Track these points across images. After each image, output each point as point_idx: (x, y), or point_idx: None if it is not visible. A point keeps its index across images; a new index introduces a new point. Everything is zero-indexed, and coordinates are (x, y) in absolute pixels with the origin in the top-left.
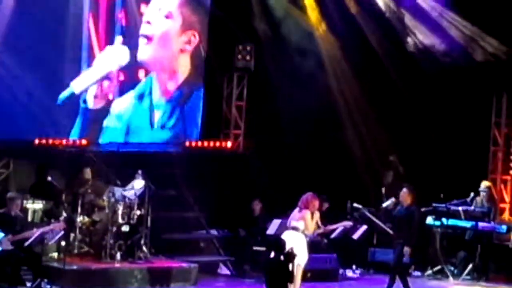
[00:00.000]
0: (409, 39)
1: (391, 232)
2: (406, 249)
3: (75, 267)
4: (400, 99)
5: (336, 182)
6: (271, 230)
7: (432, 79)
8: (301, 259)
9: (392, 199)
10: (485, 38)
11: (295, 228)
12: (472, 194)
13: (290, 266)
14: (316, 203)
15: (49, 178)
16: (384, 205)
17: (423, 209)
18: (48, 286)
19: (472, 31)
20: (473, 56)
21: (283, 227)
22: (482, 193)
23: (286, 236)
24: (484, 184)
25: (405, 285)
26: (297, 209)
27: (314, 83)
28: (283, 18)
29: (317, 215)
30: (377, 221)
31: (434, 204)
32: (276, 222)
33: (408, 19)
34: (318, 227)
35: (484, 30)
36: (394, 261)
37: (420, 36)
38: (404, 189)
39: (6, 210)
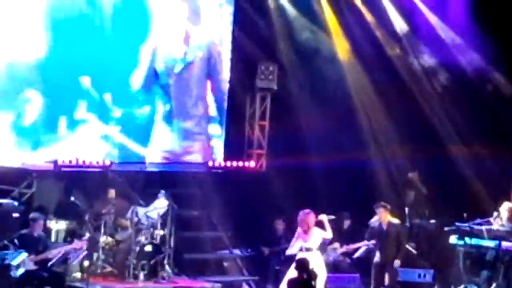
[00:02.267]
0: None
1: (414, 251)
2: (397, 262)
3: (98, 287)
4: (423, 118)
5: (358, 201)
6: (294, 250)
7: (453, 94)
8: (321, 279)
9: (376, 217)
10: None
11: (309, 249)
12: (495, 214)
13: (313, 285)
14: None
15: (72, 198)
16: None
17: (446, 228)
18: None
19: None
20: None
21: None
22: (503, 214)
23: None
24: (506, 205)
25: None
26: (300, 232)
27: (336, 103)
28: (305, 39)
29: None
30: (404, 241)
31: (457, 224)
32: (298, 242)
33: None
34: (341, 246)
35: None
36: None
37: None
38: (380, 208)
39: (29, 230)
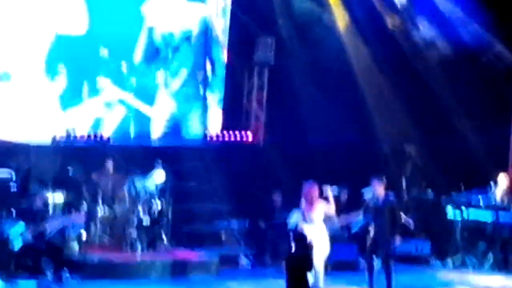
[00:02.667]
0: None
1: (411, 222)
2: (398, 238)
3: (95, 259)
4: (420, 88)
5: (356, 174)
6: (291, 222)
7: (451, 67)
8: (323, 251)
9: (372, 191)
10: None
11: (312, 222)
12: (492, 184)
13: (310, 257)
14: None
15: (70, 170)
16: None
17: (443, 200)
18: (69, 277)
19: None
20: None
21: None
22: (500, 185)
23: (306, 228)
24: (502, 176)
25: (389, 276)
26: (304, 203)
27: (334, 76)
28: (304, 12)
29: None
30: (399, 213)
31: (454, 195)
32: (296, 214)
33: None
34: (338, 219)
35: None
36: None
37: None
38: (375, 181)
39: (28, 203)
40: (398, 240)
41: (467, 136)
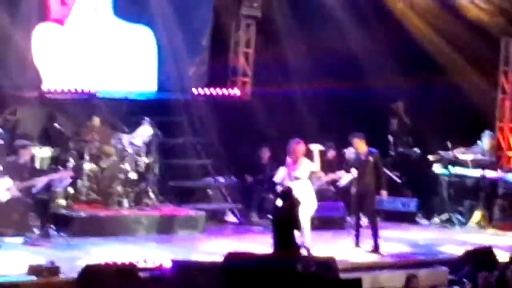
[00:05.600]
0: None
1: (398, 180)
2: (384, 192)
3: (82, 214)
4: (409, 47)
5: (343, 130)
6: (278, 178)
7: (439, 27)
8: (309, 208)
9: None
10: None
11: (298, 178)
12: (478, 142)
13: (296, 214)
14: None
15: (56, 125)
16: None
17: (429, 157)
18: (56, 233)
19: None
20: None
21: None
22: (485, 142)
23: (292, 185)
24: (487, 133)
25: (375, 232)
26: (289, 161)
27: (322, 30)
28: None
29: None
30: (383, 169)
31: (441, 152)
32: (283, 170)
33: None
34: (325, 174)
35: None
36: (371, 208)
37: None
38: (354, 139)
39: (15, 157)
40: (384, 194)
41: (454, 94)
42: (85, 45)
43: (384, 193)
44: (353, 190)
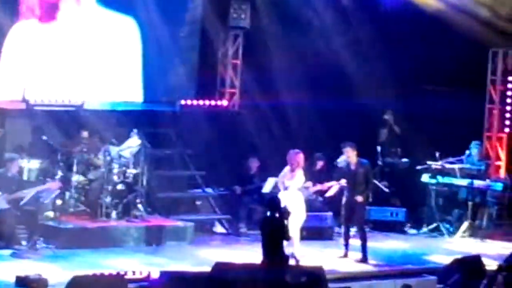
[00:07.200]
0: None
1: (386, 190)
2: (359, 198)
3: (70, 226)
4: (397, 57)
5: (331, 140)
6: (267, 188)
7: (429, 38)
8: (299, 218)
9: (344, 157)
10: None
11: (289, 188)
12: (467, 152)
13: (285, 224)
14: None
15: (44, 137)
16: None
17: (418, 167)
18: (44, 245)
19: None
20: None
21: (278, 186)
22: (473, 152)
23: (282, 195)
24: (475, 143)
25: (364, 242)
26: (287, 169)
27: (309, 41)
28: None
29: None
30: (373, 180)
31: (429, 162)
32: (271, 181)
33: None
34: (313, 185)
35: None
36: (360, 218)
37: None
38: (347, 148)
39: (4, 170)
40: (359, 199)
41: (443, 104)
42: (69, 45)
43: (359, 198)
44: (343, 200)
